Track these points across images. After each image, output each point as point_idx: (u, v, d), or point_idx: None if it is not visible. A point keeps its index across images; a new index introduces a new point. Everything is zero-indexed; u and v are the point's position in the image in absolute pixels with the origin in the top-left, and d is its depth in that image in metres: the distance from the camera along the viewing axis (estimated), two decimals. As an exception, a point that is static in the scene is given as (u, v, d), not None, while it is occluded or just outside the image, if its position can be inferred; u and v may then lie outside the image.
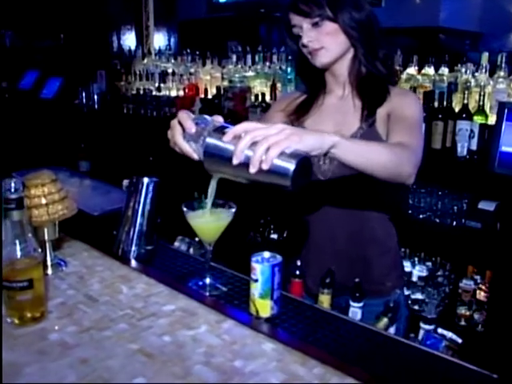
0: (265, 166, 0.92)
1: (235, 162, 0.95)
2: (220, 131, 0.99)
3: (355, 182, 1.36)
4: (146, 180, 1.38)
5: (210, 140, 0.99)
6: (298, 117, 1.51)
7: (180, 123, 1.07)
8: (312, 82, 1.52)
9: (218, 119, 1.05)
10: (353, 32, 1.36)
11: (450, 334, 1.17)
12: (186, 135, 1.06)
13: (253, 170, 0.93)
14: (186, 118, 1.06)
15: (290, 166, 0.92)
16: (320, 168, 1.45)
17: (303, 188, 0.96)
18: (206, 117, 1.04)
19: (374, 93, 1.42)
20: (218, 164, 1.00)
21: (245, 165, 0.94)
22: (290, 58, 2.98)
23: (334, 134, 1.04)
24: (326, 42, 1.37)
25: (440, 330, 1.19)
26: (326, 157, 1.06)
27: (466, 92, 2.30)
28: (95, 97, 4.04)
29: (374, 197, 1.45)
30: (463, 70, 2.48)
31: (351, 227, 1.47)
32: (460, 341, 1.17)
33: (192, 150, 1.05)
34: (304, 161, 0.94)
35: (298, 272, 1.43)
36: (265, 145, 0.92)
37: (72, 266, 1.31)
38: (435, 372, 0.97)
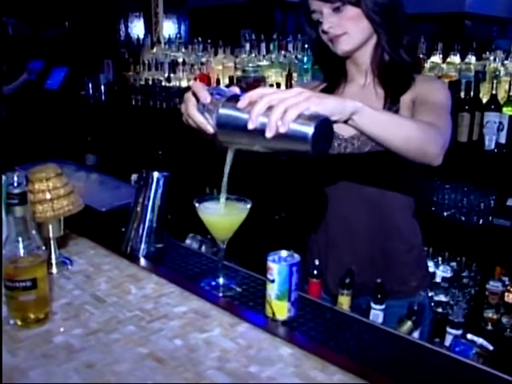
0: (282, 130, 0.90)
1: (250, 126, 0.92)
2: (235, 100, 0.97)
3: (377, 162, 1.35)
4: (156, 174, 1.37)
5: (223, 109, 0.97)
6: None
7: (194, 95, 1.04)
8: (332, 71, 1.51)
9: (235, 90, 1.03)
10: (376, 17, 1.34)
11: (480, 341, 1.15)
12: (200, 106, 1.03)
13: (269, 134, 0.90)
14: (200, 88, 1.03)
15: (309, 129, 0.89)
16: (341, 159, 1.43)
17: (325, 155, 0.94)
18: (222, 87, 1.02)
19: (398, 81, 1.40)
20: (233, 133, 0.97)
21: (261, 131, 0.92)
22: (306, 46, 2.97)
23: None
24: (348, 27, 1.35)
25: (470, 336, 1.17)
26: (346, 123, 1.02)
27: (495, 81, 2.27)
28: (102, 88, 4.06)
29: (397, 182, 1.42)
30: (491, 58, 2.45)
31: (372, 221, 1.45)
32: (491, 348, 1.15)
33: (206, 122, 1.03)
34: (324, 123, 0.91)
35: (315, 272, 1.42)
36: (282, 107, 0.90)
37: (78, 265, 1.31)
38: (466, 381, 0.95)
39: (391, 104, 1.38)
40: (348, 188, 1.44)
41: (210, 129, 1.02)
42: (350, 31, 1.35)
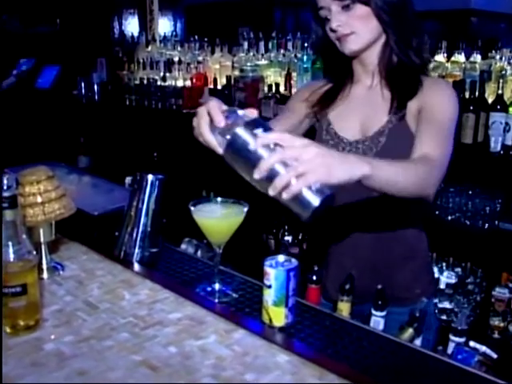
0: (285, 196, 0.95)
1: (257, 176, 0.96)
2: (250, 128, 0.99)
3: None
4: (150, 177, 1.38)
5: (236, 138, 0.99)
6: (321, 107, 1.50)
7: (209, 113, 1.07)
8: (338, 71, 1.51)
9: (252, 114, 1.04)
10: (385, 16, 1.35)
11: (483, 348, 1.16)
12: (212, 127, 1.06)
13: (272, 192, 0.95)
14: (216, 109, 1.06)
15: (314, 201, 0.95)
16: None
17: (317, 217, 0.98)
18: (238, 111, 1.04)
19: (406, 84, 1.40)
20: (240, 164, 1.00)
21: (265, 179, 0.96)
22: (306, 44, 2.97)
23: (364, 160, 1.06)
24: (357, 26, 1.35)
25: (472, 344, 1.17)
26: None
27: (501, 81, 2.27)
28: (95, 87, 4.06)
29: (409, 206, 1.43)
30: (497, 56, 2.45)
31: (375, 227, 1.46)
32: (495, 356, 1.16)
33: (217, 144, 1.06)
34: (328, 198, 0.97)
35: (314, 277, 1.43)
36: (292, 173, 0.94)
37: (70, 270, 1.32)
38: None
39: (397, 109, 1.39)
40: (351, 193, 1.45)
41: (220, 150, 1.05)
42: (359, 30, 1.36)
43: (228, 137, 1.00)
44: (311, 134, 1.56)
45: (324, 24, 1.40)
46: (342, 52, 1.41)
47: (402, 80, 1.41)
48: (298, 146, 0.96)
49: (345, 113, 1.48)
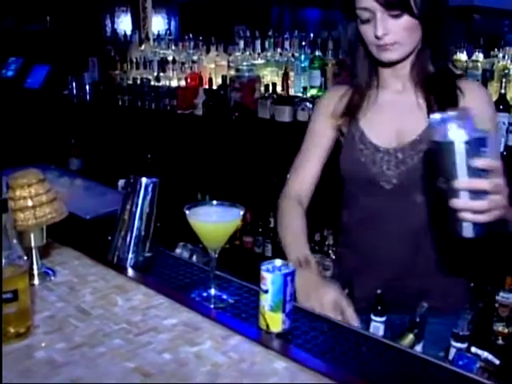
0: (466, 216, 1.05)
1: (458, 185, 1.03)
2: (477, 144, 1.03)
3: (423, 189, 1.37)
4: (144, 180, 1.39)
5: (464, 146, 1.02)
6: (350, 117, 1.48)
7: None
8: (365, 75, 1.48)
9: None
10: (433, 30, 1.35)
11: (485, 354, 1.17)
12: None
13: (455, 205, 1.05)
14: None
15: (476, 232, 1.08)
16: (384, 174, 1.42)
17: None
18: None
19: (446, 93, 1.39)
20: (446, 161, 1.04)
21: (452, 191, 1.04)
22: (303, 43, 2.98)
23: None
24: (402, 37, 1.33)
25: (474, 349, 1.18)
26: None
27: (504, 80, 2.28)
28: (87, 87, 4.07)
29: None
30: (500, 55, 2.46)
31: (408, 243, 1.44)
32: (497, 362, 1.17)
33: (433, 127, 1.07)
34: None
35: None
36: (491, 205, 1.04)
37: (61, 276, 1.33)
38: (468, 395, 0.97)
39: None
40: (388, 216, 1.44)
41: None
42: (403, 41, 1.34)
43: (461, 139, 1.02)
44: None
45: (357, 23, 1.37)
46: (376, 58, 1.39)
47: (442, 88, 1.40)
48: (501, 183, 1.06)
49: (376, 120, 1.46)
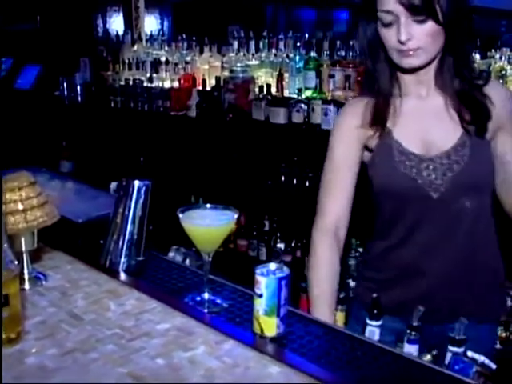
0: None
1: None
2: None
3: (471, 194, 1.38)
4: (136, 183, 1.39)
5: None
6: (380, 127, 1.45)
7: None
8: (384, 80, 1.45)
9: None
10: (456, 37, 1.35)
11: (482, 358, 1.17)
12: None
13: None
14: None
15: None
16: (432, 183, 1.39)
17: None
18: None
19: (475, 106, 1.39)
20: None
21: None
22: (298, 44, 2.99)
23: None
24: (426, 43, 1.32)
25: (470, 354, 1.19)
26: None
27: (501, 81, 2.30)
28: (78, 88, 4.06)
29: (491, 217, 1.45)
30: (497, 56, 2.48)
31: (455, 253, 1.43)
32: (494, 366, 1.17)
33: None
34: None
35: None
36: None
37: (53, 280, 1.33)
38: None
39: (478, 134, 1.39)
40: (438, 212, 1.42)
41: None
42: (426, 47, 1.33)
43: None
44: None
45: (377, 25, 1.36)
46: (396, 63, 1.38)
47: (472, 102, 1.39)
48: None
49: (408, 129, 1.44)
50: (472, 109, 1.39)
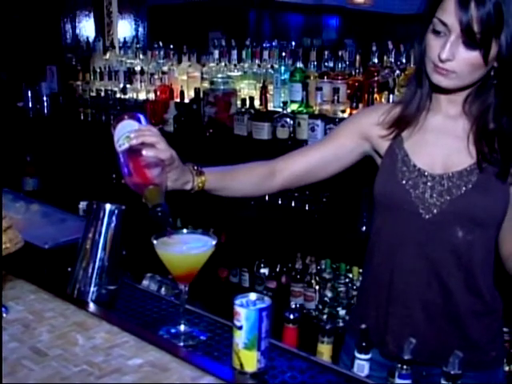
0: None
1: None
2: None
3: (466, 223, 1.40)
4: (108, 206, 1.40)
5: None
6: (398, 131, 1.50)
7: None
8: (423, 91, 1.48)
9: None
10: (508, 83, 1.38)
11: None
12: None
13: None
14: None
15: None
16: (425, 201, 1.43)
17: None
18: None
19: (497, 152, 1.41)
20: None
21: None
22: (283, 54, 3.02)
23: None
24: (463, 70, 1.34)
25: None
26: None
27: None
28: (44, 99, 4.07)
29: (488, 249, 1.47)
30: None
31: (454, 277, 1.45)
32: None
33: None
34: None
35: (292, 316, 1.45)
36: None
37: (15, 312, 1.32)
38: None
39: (501, 177, 1.40)
40: (425, 234, 1.44)
41: None
42: (462, 74, 1.35)
43: None
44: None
45: (427, 32, 1.38)
46: (428, 77, 1.41)
47: (497, 146, 1.41)
48: None
49: (423, 143, 1.48)
50: (491, 152, 1.41)
